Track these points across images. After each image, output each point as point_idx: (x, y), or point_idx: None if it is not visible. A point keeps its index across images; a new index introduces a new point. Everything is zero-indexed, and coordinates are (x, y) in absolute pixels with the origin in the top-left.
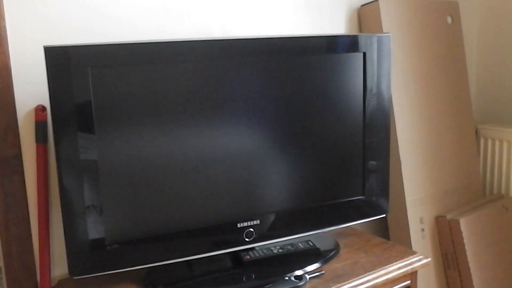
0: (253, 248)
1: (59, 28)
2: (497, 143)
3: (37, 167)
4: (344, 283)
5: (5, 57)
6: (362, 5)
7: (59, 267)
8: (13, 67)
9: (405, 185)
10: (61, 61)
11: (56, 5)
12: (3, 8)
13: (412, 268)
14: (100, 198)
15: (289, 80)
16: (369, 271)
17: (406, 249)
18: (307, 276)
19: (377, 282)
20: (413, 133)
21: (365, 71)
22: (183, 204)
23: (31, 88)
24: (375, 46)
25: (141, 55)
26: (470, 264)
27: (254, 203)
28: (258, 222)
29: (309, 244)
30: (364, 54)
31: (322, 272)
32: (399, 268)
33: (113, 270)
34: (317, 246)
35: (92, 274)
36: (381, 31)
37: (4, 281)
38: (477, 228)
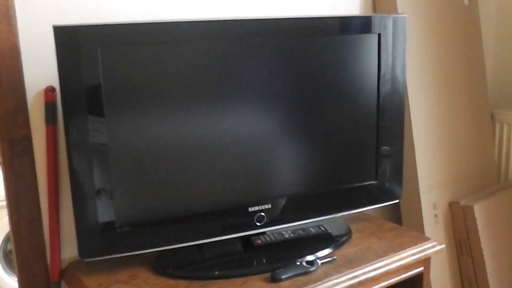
0: (264, 233)
1: (69, 7)
2: None
3: (46, 149)
4: (356, 268)
5: (13, 36)
6: None
7: (69, 249)
8: (22, 47)
9: (418, 170)
10: (70, 41)
11: None
12: None
13: (425, 255)
14: (110, 180)
15: (302, 61)
16: (382, 257)
17: (420, 235)
18: (319, 261)
19: (390, 268)
20: (427, 117)
21: (380, 53)
22: (194, 188)
23: (41, 68)
24: (390, 27)
25: (152, 35)
26: (484, 251)
27: (265, 187)
28: (270, 206)
29: (321, 229)
30: (379, 35)
31: (334, 257)
32: (412, 255)
33: (123, 253)
34: (329, 231)
35: (102, 256)
36: (396, 12)
37: (14, 262)
38: (491, 215)
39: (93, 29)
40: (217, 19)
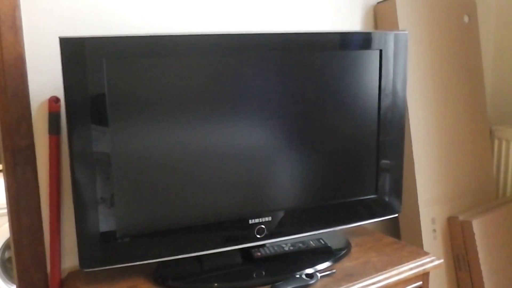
0: (264, 245)
1: (74, 19)
2: (511, 144)
3: (49, 158)
4: (355, 282)
5: (20, 47)
6: (378, 2)
7: (69, 259)
8: (27, 57)
9: (418, 185)
10: (76, 52)
11: None
12: None
13: (424, 269)
14: (112, 191)
15: (304, 76)
16: (381, 271)
17: (418, 250)
18: (318, 275)
19: (388, 282)
20: (427, 132)
21: (381, 68)
22: (195, 199)
23: (45, 79)
24: (391, 43)
25: (157, 47)
26: (482, 267)
27: (266, 199)
28: (270, 219)
29: (321, 242)
30: (381, 51)
31: (333, 270)
32: (411, 269)
33: (124, 263)
34: (329, 245)
35: (102, 267)
36: (397, 29)
37: (14, 270)
38: (490, 230)
39: (99, 41)
40: (220, 33)
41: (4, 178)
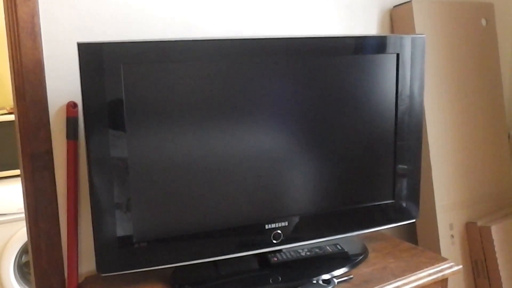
0: (280, 250)
1: (92, 25)
2: None
3: (67, 163)
4: None
5: (38, 53)
6: (395, 6)
7: (87, 264)
8: (46, 63)
9: (435, 190)
10: (94, 57)
11: (89, 2)
12: (38, 5)
13: (442, 275)
14: (129, 196)
15: (320, 80)
16: (399, 277)
17: (437, 255)
18: (335, 280)
19: None
20: (444, 137)
21: (398, 72)
22: (211, 204)
23: (63, 84)
24: (409, 47)
25: (174, 53)
26: (501, 273)
27: (282, 205)
28: (286, 224)
29: (337, 247)
30: (398, 55)
31: (351, 276)
32: (429, 275)
33: (140, 268)
34: (345, 250)
35: (119, 271)
36: (414, 33)
37: (32, 276)
38: (509, 236)
39: (117, 46)
40: (237, 38)
41: (22, 183)
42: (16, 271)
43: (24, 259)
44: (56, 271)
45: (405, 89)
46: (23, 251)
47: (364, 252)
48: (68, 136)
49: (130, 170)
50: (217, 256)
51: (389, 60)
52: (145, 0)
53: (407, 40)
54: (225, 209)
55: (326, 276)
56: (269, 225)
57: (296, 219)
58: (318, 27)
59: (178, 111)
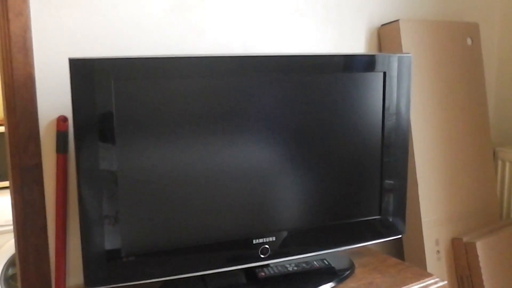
0: (268, 265)
1: (83, 41)
2: None
3: (56, 177)
4: None
5: (30, 67)
6: (382, 25)
7: (74, 278)
8: (37, 77)
9: (421, 206)
10: (85, 73)
11: (80, 18)
12: (30, 20)
13: None
14: (118, 210)
15: (308, 97)
16: None
17: (422, 271)
18: None
19: None
20: (430, 154)
21: (385, 90)
22: (200, 219)
23: (54, 98)
24: (395, 66)
25: (163, 69)
26: None
27: (270, 220)
28: (274, 239)
29: (324, 262)
30: (385, 73)
31: None
32: None
33: (129, 282)
34: (332, 265)
35: (107, 285)
36: (401, 51)
37: None
38: (494, 252)
39: (108, 62)
40: (226, 55)
41: (11, 196)
42: (3, 283)
43: (10, 271)
44: (43, 285)
45: (391, 107)
46: (10, 263)
47: (351, 267)
48: (58, 150)
49: (119, 185)
50: (205, 270)
51: (376, 78)
52: (136, 16)
53: (394, 58)
54: (213, 223)
55: None
56: (257, 240)
57: (283, 234)
58: (307, 45)
59: (167, 126)
